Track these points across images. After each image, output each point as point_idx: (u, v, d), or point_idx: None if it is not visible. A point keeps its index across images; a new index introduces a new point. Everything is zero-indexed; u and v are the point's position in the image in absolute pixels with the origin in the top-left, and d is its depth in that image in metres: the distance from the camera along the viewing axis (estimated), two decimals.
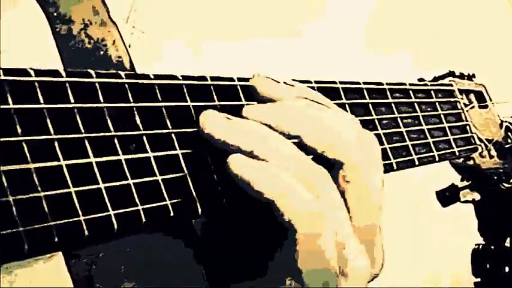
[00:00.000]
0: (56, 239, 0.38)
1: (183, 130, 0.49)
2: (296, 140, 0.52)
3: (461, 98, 0.87)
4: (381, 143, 0.68)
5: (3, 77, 0.39)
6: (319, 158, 0.53)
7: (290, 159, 0.50)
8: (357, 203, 0.54)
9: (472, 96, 0.92)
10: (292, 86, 0.55)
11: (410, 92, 0.76)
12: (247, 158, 0.49)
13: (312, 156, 0.52)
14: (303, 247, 0.50)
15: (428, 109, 0.78)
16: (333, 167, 0.53)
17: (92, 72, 0.44)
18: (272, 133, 0.51)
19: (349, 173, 0.53)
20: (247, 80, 0.56)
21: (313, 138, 0.52)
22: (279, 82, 0.55)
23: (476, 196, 1.00)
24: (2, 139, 0.37)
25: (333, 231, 0.51)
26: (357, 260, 0.52)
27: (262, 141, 0.50)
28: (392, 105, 0.72)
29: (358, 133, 0.54)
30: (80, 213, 0.40)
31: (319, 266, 0.51)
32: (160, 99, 0.48)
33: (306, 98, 0.54)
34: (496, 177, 0.98)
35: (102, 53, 0.52)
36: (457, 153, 0.81)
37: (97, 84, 0.44)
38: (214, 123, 0.50)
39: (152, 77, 0.48)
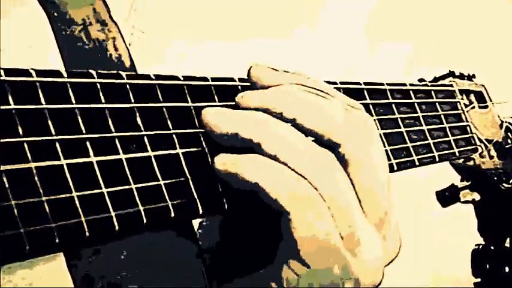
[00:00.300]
0: (57, 240, 0.38)
1: (183, 131, 0.49)
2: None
3: (462, 99, 0.87)
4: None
5: (4, 77, 0.39)
6: (317, 142, 0.52)
7: (292, 144, 0.50)
8: (362, 181, 0.53)
9: (472, 97, 0.92)
10: (291, 73, 0.54)
11: (411, 92, 0.76)
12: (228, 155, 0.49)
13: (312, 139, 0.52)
14: (299, 233, 0.49)
15: (429, 109, 0.78)
16: (331, 150, 0.52)
17: (93, 72, 0.44)
18: (271, 119, 0.51)
19: (347, 153, 0.53)
20: (247, 80, 0.56)
21: (308, 122, 0.52)
22: (277, 70, 0.54)
23: (476, 196, 1.00)
24: (3, 140, 0.37)
25: (335, 214, 0.50)
26: (368, 245, 0.51)
27: (263, 128, 0.50)
28: (393, 105, 0.72)
29: (350, 114, 0.54)
30: (81, 214, 0.40)
31: (322, 255, 0.50)
32: (161, 99, 0.48)
33: (301, 84, 0.54)
34: (495, 178, 0.98)
35: (103, 53, 0.52)
36: (457, 154, 0.81)
37: (98, 85, 0.44)
38: (216, 119, 0.50)
39: (153, 77, 0.48)
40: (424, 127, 0.76)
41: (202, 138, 0.50)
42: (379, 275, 0.53)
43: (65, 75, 0.42)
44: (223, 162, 0.49)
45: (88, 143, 0.42)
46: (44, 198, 0.38)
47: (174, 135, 0.48)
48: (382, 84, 0.71)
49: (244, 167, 0.49)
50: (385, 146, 0.68)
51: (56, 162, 0.39)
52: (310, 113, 0.52)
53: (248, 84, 0.55)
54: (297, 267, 0.50)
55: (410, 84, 0.77)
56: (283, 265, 0.50)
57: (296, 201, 0.49)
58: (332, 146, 0.52)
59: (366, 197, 0.53)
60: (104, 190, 0.42)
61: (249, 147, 0.50)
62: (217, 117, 0.50)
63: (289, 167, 0.49)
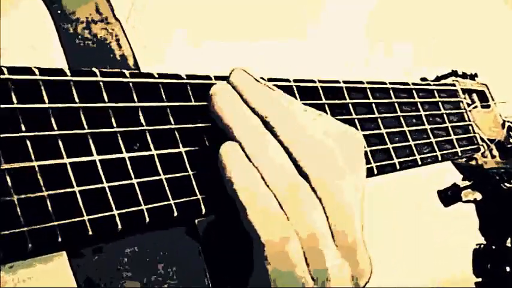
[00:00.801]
0: (60, 239, 0.38)
1: (187, 128, 0.49)
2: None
3: (464, 98, 0.87)
4: (384, 143, 0.68)
5: (7, 76, 0.38)
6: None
7: (278, 165, 0.51)
8: (331, 208, 0.53)
9: (474, 96, 0.91)
10: (272, 89, 0.54)
11: (413, 91, 0.76)
12: (239, 153, 0.50)
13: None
14: (269, 253, 0.50)
15: (431, 109, 0.78)
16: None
17: (97, 71, 0.44)
18: (268, 134, 0.52)
19: (315, 182, 0.53)
20: None
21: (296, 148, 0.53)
22: (258, 81, 0.54)
23: (478, 196, 1.00)
24: (7, 137, 0.37)
25: (304, 236, 0.51)
26: (335, 270, 0.53)
27: (259, 138, 0.51)
28: (396, 104, 0.72)
29: (319, 143, 0.54)
30: (84, 212, 0.40)
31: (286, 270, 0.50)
32: (164, 98, 0.48)
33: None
34: (497, 177, 0.98)
35: (106, 51, 0.52)
36: (460, 153, 0.81)
37: (101, 83, 0.44)
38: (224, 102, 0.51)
39: (156, 76, 0.48)
40: (427, 126, 0.76)
41: (205, 137, 0.50)
42: None
43: (68, 73, 0.42)
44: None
45: (91, 141, 0.42)
46: (46, 196, 0.38)
47: (176, 134, 0.48)
48: (384, 83, 0.71)
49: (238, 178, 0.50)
50: (387, 145, 0.68)
51: (59, 161, 0.39)
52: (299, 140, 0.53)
53: None
54: None
55: (413, 84, 0.76)
56: None
57: (269, 226, 0.50)
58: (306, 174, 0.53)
59: (337, 224, 0.53)
60: (107, 188, 0.42)
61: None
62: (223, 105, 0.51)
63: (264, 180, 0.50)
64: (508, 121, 0.97)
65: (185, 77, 0.50)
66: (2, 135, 0.37)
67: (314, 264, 0.52)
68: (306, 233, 0.51)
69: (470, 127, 0.85)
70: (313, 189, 0.53)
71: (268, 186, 0.50)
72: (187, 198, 0.47)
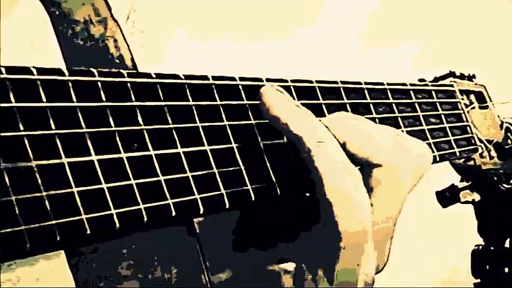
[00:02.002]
0: (58, 238, 0.38)
1: (185, 128, 0.49)
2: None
3: (462, 99, 0.87)
4: None
5: (5, 75, 0.39)
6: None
7: (332, 155, 0.54)
8: (381, 204, 0.57)
9: (472, 97, 0.92)
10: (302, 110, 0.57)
11: (411, 92, 0.76)
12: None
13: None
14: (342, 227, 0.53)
15: (429, 109, 0.78)
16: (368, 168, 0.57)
17: (94, 70, 0.44)
18: (322, 126, 0.55)
19: (382, 174, 0.57)
20: (249, 79, 0.56)
21: (355, 144, 0.57)
22: (288, 98, 0.56)
23: (476, 197, 1.00)
24: (5, 136, 0.37)
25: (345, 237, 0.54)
26: (367, 263, 0.55)
27: (312, 129, 0.54)
28: (393, 105, 0.72)
29: (395, 140, 0.58)
30: (82, 211, 0.40)
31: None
32: (162, 98, 0.48)
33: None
34: (496, 178, 0.98)
35: (104, 51, 0.52)
36: (458, 154, 0.81)
37: (99, 83, 0.44)
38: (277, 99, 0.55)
39: (154, 76, 0.48)
40: (425, 127, 0.76)
41: (203, 137, 0.50)
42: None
43: (66, 73, 0.42)
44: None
45: (89, 141, 0.42)
46: (44, 196, 0.38)
47: (174, 134, 0.48)
48: (382, 84, 0.72)
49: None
50: None
51: (57, 160, 0.39)
52: (357, 137, 0.57)
53: (249, 83, 0.56)
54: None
55: (411, 84, 0.77)
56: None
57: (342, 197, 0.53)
58: (369, 164, 0.57)
59: (379, 216, 0.57)
60: (105, 188, 0.42)
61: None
62: (273, 100, 0.55)
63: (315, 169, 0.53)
64: (506, 122, 0.98)
65: (183, 77, 0.50)
66: (0, 135, 0.37)
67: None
68: (350, 227, 0.54)
69: (468, 128, 0.85)
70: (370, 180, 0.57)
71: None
72: (186, 198, 0.47)
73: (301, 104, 0.59)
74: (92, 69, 0.44)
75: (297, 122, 0.54)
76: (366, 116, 0.67)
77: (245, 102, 0.55)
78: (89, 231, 0.40)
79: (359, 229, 0.54)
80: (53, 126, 0.40)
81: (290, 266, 0.57)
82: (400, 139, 0.59)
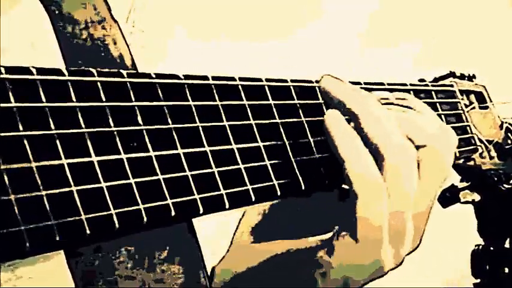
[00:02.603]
0: (58, 238, 0.38)
1: (184, 128, 0.49)
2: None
3: (462, 99, 0.87)
4: None
5: (5, 75, 0.39)
6: None
7: (387, 126, 0.58)
8: (422, 182, 0.60)
9: (472, 97, 0.92)
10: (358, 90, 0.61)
11: (411, 92, 0.76)
12: (342, 119, 0.58)
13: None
14: (361, 213, 0.56)
15: None
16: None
17: (94, 71, 0.44)
18: (380, 106, 0.60)
19: (427, 155, 0.61)
20: (248, 79, 0.56)
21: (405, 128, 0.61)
22: (344, 83, 0.61)
23: (476, 197, 1.00)
24: (4, 137, 0.37)
25: (393, 207, 0.57)
26: (405, 248, 0.60)
27: (371, 107, 0.59)
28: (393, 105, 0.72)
29: (439, 126, 0.64)
30: (82, 212, 0.40)
31: (371, 232, 0.56)
32: (162, 98, 0.48)
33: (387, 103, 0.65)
34: (496, 178, 0.98)
35: (104, 51, 0.52)
36: (458, 154, 0.81)
37: (99, 83, 0.44)
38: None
39: (154, 76, 0.48)
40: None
41: (203, 137, 0.50)
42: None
43: (66, 73, 0.42)
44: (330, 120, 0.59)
45: (88, 141, 0.42)
46: (44, 195, 0.38)
47: (174, 133, 0.48)
48: (382, 84, 0.72)
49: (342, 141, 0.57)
50: None
51: (56, 161, 0.39)
52: (406, 121, 0.62)
53: (248, 83, 0.56)
54: (346, 238, 0.57)
55: (411, 84, 0.77)
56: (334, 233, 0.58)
57: (365, 185, 0.56)
58: (418, 147, 0.61)
59: (420, 199, 0.60)
60: (105, 187, 0.42)
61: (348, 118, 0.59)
62: (334, 85, 0.61)
63: (372, 144, 0.58)
64: (506, 122, 0.98)
65: (183, 77, 0.50)
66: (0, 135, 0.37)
67: (395, 231, 0.58)
68: (397, 199, 0.58)
69: (468, 128, 0.85)
70: (417, 159, 0.61)
71: (374, 145, 0.58)
72: (185, 198, 0.47)
73: (301, 103, 0.59)
74: (91, 69, 0.44)
75: (356, 100, 0.59)
76: None
77: (245, 102, 0.55)
78: (88, 231, 0.40)
79: (407, 201, 0.58)
80: (52, 126, 0.40)
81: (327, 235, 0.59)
82: (448, 133, 0.64)
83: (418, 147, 0.61)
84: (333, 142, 0.57)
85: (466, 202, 1.01)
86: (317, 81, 0.63)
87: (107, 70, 0.45)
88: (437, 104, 0.80)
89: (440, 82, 0.89)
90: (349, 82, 0.67)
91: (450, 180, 1.00)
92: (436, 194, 0.62)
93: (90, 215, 0.40)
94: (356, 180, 0.56)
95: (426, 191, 0.61)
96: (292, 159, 0.57)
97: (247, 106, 0.55)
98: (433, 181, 0.61)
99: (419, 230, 0.61)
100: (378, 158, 0.57)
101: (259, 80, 0.58)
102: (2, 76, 0.38)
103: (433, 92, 0.80)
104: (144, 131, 0.46)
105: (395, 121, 0.59)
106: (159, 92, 0.48)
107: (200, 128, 0.50)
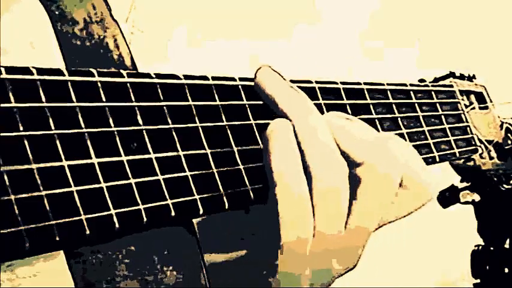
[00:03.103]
0: (57, 238, 0.38)
1: (184, 128, 0.49)
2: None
3: (462, 99, 0.87)
4: None
5: (5, 75, 0.39)
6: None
7: (322, 142, 0.54)
8: (359, 204, 0.56)
9: (472, 97, 0.92)
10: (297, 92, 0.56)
11: (411, 92, 0.76)
12: (290, 131, 0.53)
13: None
14: (284, 234, 0.52)
15: (429, 110, 0.78)
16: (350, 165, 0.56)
17: (94, 71, 0.44)
18: (315, 110, 0.55)
19: (362, 172, 0.56)
20: (248, 79, 0.56)
21: (339, 139, 0.56)
22: (284, 79, 0.56)
23: (476, 197, 1.00)
24: (4, 137, 0.37)
25: (318, 227, 0.53)
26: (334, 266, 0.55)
27: (307, 114, 0.54)
28: (393, 105, 0.72)
29: (375, 138, 0.57)
30: (81, 212, 0.40)
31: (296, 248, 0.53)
32: (162, 98, 0.48)
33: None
34: (496, 179, 0.98)
35: (104, 51, 0.52)
36: (458, 154, 0.81)
37: (99, 83, 0.44)
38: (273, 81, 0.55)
39: (154, 76, 0.48)
40: (425, 127, 0.76)
41: (203, 137, 0.50)
42: None
43: (66, 73, 0.42)
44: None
45: (89, 142, 0.42)
46: (44, 196, 0.38)
47: (174, 134, 0.48)
48: (382, 84, 0.71)
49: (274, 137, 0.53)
50: None
51: (57, 161, 0.40)
52: (342, 132, 0.56)
53: (248, 83, 0.56)
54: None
55: (411, 85, 0.77)
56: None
57: (290, 207, 0.52)
58: (351, 164, 0.56)
59: (355, 218, 0.56)
60: (105, 188, 0.42)
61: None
62: (271, 79, 0.55)
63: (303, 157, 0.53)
64: (506, 122, 0.98)
65: (182, 77, 0.50)
66: (0, 135, 0.37)
67: (318, 251, 0.54)
68: (323, 221, 0.54)
69: (468, 128, 0.85)
70: (357, 177, 0.55)
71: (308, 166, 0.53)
72: (185, 198, 0.47)
73: None
74: (91, 69, 0.44)
75: (291, 102, 0.55)
76: (366, 116, 0.67)
77: (245, 102, 0.55)
78: (88, 232, 0.40)
79: (334, 223, 0.54)
80: (52, 127, 0.40)
81: None
82: (388, 144, 0.57)
83: (355, 164, 0.56)
84: (269, 154, 0.52)
85: (466, 202, 1.01)
86: (317, 82, 0.63)
87: (107, 70, 0.45)
88: (437, 104, 0.80)
89: (441, 82, 0.89)
90: (349, 82, 0.67)
91: (450, 181, 1.00)
92: (377, 217, 0.57)
93: (90, 215, 0.40)
94: (282, 200, 0.52)
95: (365, 212, 0.55)
96: None
97: (247, 106, 0.55)
98: (374, 201, 0.56)
99: (353, 250, 0.56)
100: (307, 176, 0.53)
101: None
102: (2, 76, 0.38)
103: (433, 92, 0.80)
104: (144, 131, 0.46)
105: (329, 132, 0.55)
106: (159, 92, 0.48)
107: (200, 129, 0.50)
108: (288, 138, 0.53)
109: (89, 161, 0.41)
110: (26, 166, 0.38)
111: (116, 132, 0.44)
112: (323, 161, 0.53)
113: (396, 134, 0.71)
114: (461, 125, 0.84)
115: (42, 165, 0.39)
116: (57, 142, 0.40)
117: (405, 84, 0.76)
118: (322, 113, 0.61)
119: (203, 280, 0.51)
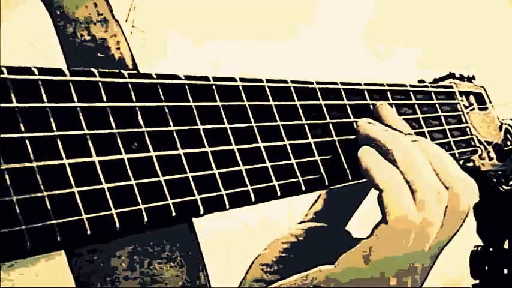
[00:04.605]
0: (59, 238, 0.38)
1: (185, 129, 0.49)
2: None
3: (462, 100, 0.87)
4: None
5: (6, 75, 0.39)
6: None
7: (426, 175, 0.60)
8: (443, 232, 0.62)
9: (472, 98, 0.92)
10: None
11: (411, 93, 0.76)
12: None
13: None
14: (382, 238, 0.57)
15: (429, 111, 0.78)
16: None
17: (95, 71, 0.44)
18: (417, 149, 0.62)
19: (451, 200, 0.62)
20: (249, 80, 0.56)
21: (436, 166, 0.62)
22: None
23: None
24: (5, 137, 0.37)
25: (419, 242, 0.59)
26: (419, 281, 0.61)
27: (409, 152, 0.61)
28: (393, 106, 0.72)
29: (463, 173, 0.64)
30: (82, 211, 0.40)
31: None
32: (163, 98, 0.48)
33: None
34: (495, 180, 0.98)
35: (105, 51, 0.52)
36: (457, 155, 0.81)
37: (100, 84, 0.44)
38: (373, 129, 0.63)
39: (155, 76, 0.48)
40: (424, 128, 0.76)
41: (203, 137, 0.50)
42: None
43: (67, 73, 0.42)
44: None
45: (89, 141, 0.42)
46: (45, 195, 0.38)
47: (175, 134, 0.48)
48: (382, 85, 0.72)
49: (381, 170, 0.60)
50: None
51: (58, 161, 0.40)
52: (437, 161, 0.63)
53: (249, 84, 0.56)
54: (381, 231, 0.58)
55: (411, 85, 0.77)
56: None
57: (400, 214, 0.58)
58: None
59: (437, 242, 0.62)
60: (105, 188, 0.42)
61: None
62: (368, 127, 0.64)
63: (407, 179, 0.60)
64: (506, 123, 0.98)
65: (183, 78, 0.50)
66: (1, 136, 0.37)
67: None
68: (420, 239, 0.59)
69: (467, 129, 0.85)
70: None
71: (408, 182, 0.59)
72: (186, 198, 0.47)
73: (301, 104, 0.59)
74: (92, 69, 0.44)
75: (394, 146, 0.61)
76: (365, 116, 0.67)
77: (245, 103, 0.55)
78: (89, 231, 0.40)
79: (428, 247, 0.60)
80: (53, 127, 0.40)
81: None
82: (466, 174, 0.65)
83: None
84: (370, 169, 0.59)
85: None
86: (317, 82, 0.63)
87: (108, 70, 0.45)
88: (437, 105, 0.80)
89: (440, 83, 0.89)
90: (349, 83, 0.67)
91: None
92: (447, 239, 0.63)
93: (91, 215, 0.40)
94: (393, 211, 0.58)
95: (441, 237, 0.62)
96: (293, 160, 0.57)
97: (248, 107, 0.55)
98: (449, 228, 0.62)
99: (425, 270, 0.62)
100: (412, 193, 0.59)
101: (260, 80, 0.58)
102: (3, 76, 0.39)
103: (432, 93, 0.80)
104: (145, 132, 0.46)
105: (426, 160, 0.61)
106: (160, 92, 0.48)
107: (201, 129, 0.50)
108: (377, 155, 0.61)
109: (89, 159, 0.41)
110: (28, 164, 0.38)
111: (116, 133, 0.44)
112: (426, 181, 0.60)
113: None
114: (460, 126, 0.84)
115: (43, 165, 0.39)
116: (59, 142, 0.40)
117: (405, 85, 0.76)
118: (323, 113, 0.62)
119: (203, 280, 0.51)
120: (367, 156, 0.60)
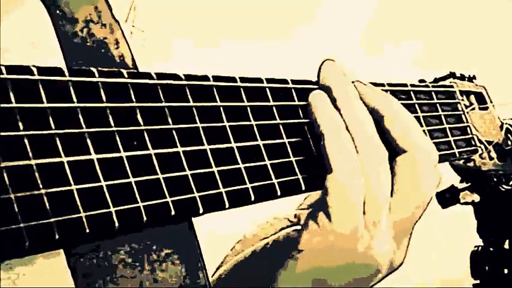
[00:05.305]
0: (57, 236, 0.38)
1: (184, 128, 0.49)
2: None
3: (462, 100, 0.87)
4: None
5: (5, 75, 0.39)
6: (387, 143, 0.59)
7: (363, 130, 0.57)
8: (401, 194, 0.58)
9: (472, 98, 0.92)
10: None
11: (411, 93, 0.76)
12: (327, 100, 0.59)
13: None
14: (334, 191, 0.55)
15: (429, 110, 0.78)
16: (395, 154, 0.59)
17: (95, 70, 0.44)
18: (362, 106, 0.60)
19: (408, 162, 0.59)
20: (249, 80, 0.56)
21: (391, 122, 0.60)
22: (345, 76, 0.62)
23: (476, 198, 1.00)
24: (4, 135, 0.37)
25: (368, 200, 0.56)
26: (382, 242, 0.57)
27: (351, 107, 0.59)
28: None
29: (424, 137, 0.62)
30: (81, 210, 0.40)
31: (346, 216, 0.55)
32: (162, 98, 0.48)
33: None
34: (495, 179, 0.98)
35: (105, 51, 0.52)
36: (458, 155, 0.81)
37: (99, 83, 0.44)
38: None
39: (154, 76, 0.48)
40: (425, 128, 0.76)
41: (203, 137, 0.50)
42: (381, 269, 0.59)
43: (67, 73, 0.42)
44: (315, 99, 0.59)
45: (88, 140, 0.42)
46: (44, 194, 0.38)
47: (174, 134, 0.48)
48: (382, 85, 0.72)
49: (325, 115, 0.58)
50: None
51: (56, 159, 0.40)
52: (394, 117, 0.60)
53: (249, 84, 0.56)
54: (321, 219, 0.56)
55: (411, 85, 0.77)
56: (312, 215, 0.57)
57: (343, 165, 0.55)
58: (398, 150, 0.59)
59: (398, 207, 0.58)
60: (104, 186, 0.42)
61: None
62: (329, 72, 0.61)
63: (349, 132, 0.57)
64: (506, 123, 0.98)
65: (183, 77, 0.50)
66: (0, 134, 0.37)
67: (370, 214, 0.56)
68: (371, 182, 0.56)
69: (468, 129, 0.85)
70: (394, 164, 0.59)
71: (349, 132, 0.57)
72: (185, 196, 0.47)
73: (301, 104, 0.59)
74: (92, 69, 0.44)
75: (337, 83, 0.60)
76: None
77: (246, 103, 0.55)
78: (88, 230, 0.40)
79: (379, 209, 0.56)
80: (53, 126, 0.40)
81: None
82: (428, 138, 0.62)
83: (399, 150, 0.60)
84: (315, 112, 0.58)
85: (466, 203, 1.01)
86: (318, 82, 0.63)
87: (107, 70, 0.45)
88: (438, 104, 0.80)
89: (441, 83, 0.89)
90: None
91: (450, 181, 1.00)
92: (417, 208, 0.59)
93: (90, 213, 0.40)
94: (333, 154, 0.56)
95: (403, 204, 0.58)
96: (293, 159, 0.57)
97: (248, 107, 0.55)
98: (409, 196, 0.59)
99: (399, 244, 0.59)
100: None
101: (260, 80, 0.58)
102: (3, 76, 0.38)
103: (433, 93, 0.80)
104: (145, 132, 0.46)
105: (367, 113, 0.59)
106: (160, 92, 0.48)
107: (201, 129, 0.50)
108: (325, 104, 0.59)
109: (88, 157, 0.41)
110: (26, 162, 0.38)
111: (116, 133, 0.44)
112: (364, 138, 0.57)
113: None
114: (461, 125, 0.84)
115: (42, 162, 0.39)
116: (58, 142, 0.40)
117: (405, 85, 0.76)
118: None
119: (203, 280, 0.51)
120: (316, 98, 0.59)
